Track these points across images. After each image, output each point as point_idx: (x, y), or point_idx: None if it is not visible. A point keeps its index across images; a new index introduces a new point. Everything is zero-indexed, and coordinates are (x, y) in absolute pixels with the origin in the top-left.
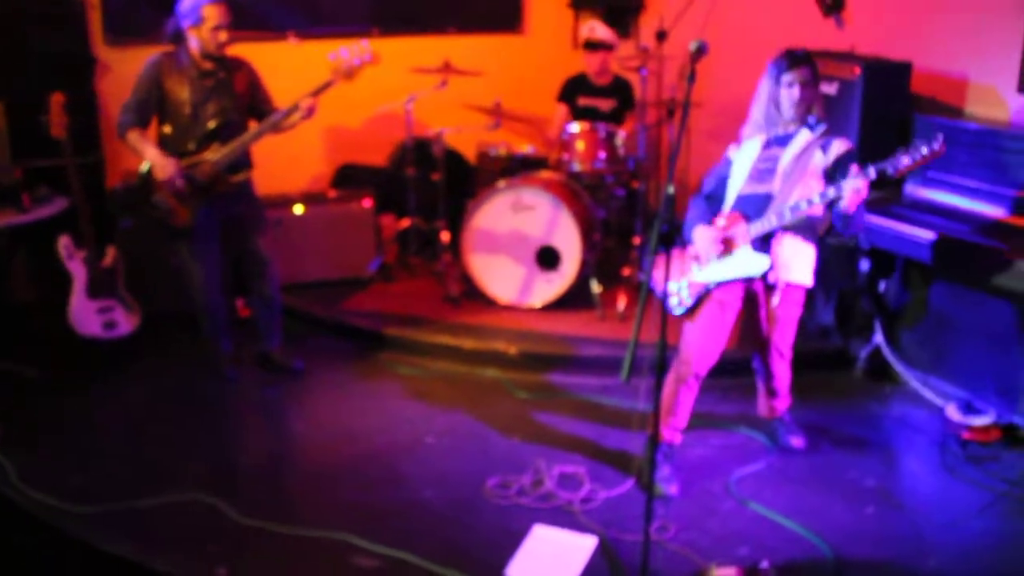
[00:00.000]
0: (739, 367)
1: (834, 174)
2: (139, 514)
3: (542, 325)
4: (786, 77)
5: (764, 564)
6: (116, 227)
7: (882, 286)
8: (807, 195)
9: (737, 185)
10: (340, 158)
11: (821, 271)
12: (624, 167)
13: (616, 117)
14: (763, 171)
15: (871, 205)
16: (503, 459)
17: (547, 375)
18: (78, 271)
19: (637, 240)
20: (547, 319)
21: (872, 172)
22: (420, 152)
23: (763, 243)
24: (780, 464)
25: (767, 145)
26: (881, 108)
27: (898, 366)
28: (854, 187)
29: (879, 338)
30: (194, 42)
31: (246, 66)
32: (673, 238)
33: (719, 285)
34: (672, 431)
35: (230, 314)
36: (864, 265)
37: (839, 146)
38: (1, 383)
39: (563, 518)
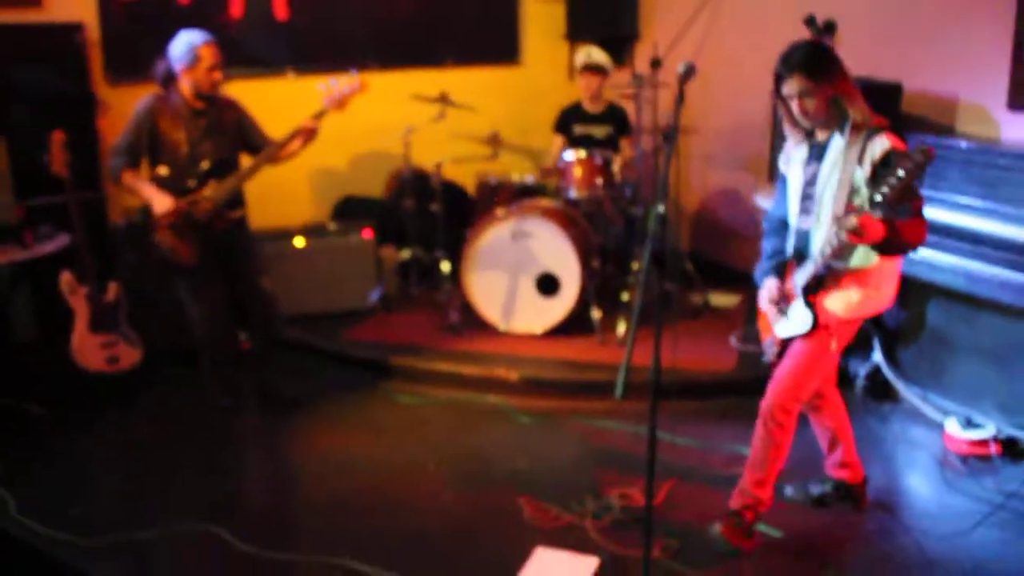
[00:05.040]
0: None
1: (879, 184)
2: (141, 545)
3: (543, 351)
4: (784, 89)
5: None
6: (118, 263)
7: None
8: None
9: (793, 216)
10: (340, 191)
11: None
12: (621, 193)
13: (611, 143)
14: (808, 199)
15: None
16: (506, 485)
17: (548, 400)
18: (80, 307)
19: (636, 265)
20: (548, 345)
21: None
22: (419, 183)
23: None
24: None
25: (808, 161)
26: None
27: (897, 383)
28: (849, 227)
29: (878, 356)
30: (187, 83)
31: (234, 104)
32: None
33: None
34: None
35: (232, 347)
36: None
37: (877, 148)
38: (4, 420)
39: (567, 540)
